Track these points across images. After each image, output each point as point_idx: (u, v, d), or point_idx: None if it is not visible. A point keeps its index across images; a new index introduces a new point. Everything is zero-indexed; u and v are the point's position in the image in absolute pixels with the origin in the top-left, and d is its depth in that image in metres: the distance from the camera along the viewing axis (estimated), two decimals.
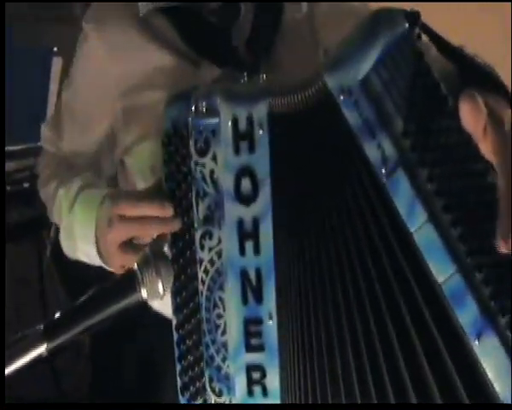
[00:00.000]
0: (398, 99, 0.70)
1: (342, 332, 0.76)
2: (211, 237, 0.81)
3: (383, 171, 0.71)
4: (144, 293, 0.84)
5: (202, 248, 0.81)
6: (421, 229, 0.70)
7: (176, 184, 0.84)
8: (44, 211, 1.24)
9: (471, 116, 0.66)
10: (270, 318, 0.79)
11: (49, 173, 1.22)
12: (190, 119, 0.81)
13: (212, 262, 0.81)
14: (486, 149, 0.67)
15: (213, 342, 0.83)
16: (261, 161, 0.77)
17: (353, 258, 0.74)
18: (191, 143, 0.81)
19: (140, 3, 1.10)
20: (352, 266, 0.74)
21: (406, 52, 0.70)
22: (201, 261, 0.82)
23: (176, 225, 0.84)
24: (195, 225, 0.82)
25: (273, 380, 0.81)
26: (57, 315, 0.84)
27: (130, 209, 0.87)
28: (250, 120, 0.77)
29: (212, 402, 0.84)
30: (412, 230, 0.71)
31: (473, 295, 0.69)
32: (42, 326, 0.83)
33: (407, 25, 0.71)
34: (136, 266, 0.84)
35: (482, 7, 3.13)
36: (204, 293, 0.82)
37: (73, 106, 1.19)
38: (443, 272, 0.70)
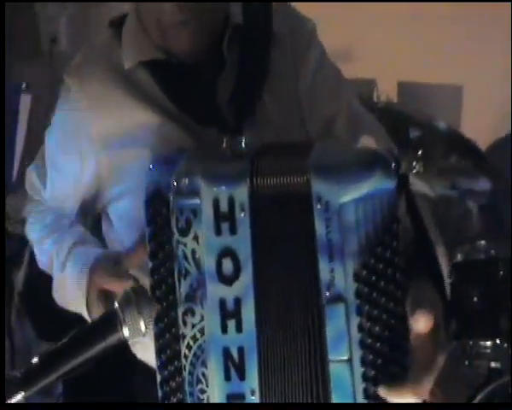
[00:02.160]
0: (363, 241, 0.74)
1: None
2: (193, 315, 0.82)
3: (327, 294, 0.76)
4: (126, 332, 0.83)
5: (185, 324, 0.83)
6: (338, 363, 0.76)
7: (159, 247, 0.85)
8: (12, 251, 1.24)
9: (424, 326, 0.74)
10: (253, 394, 0.80)
11: (37, 220, 1.23)
12: (172, 197, 0.82)
13: (194, 339, 0.82)
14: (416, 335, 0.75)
15: None
16: (242, 242, 0.79)
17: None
18: (173, 221, 0.82)
19: (124, 57, 1.11)
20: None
21: (385, 206, 0.74)
22: (184, 337, 0.83)
23: None
24: (177, 301, 0.83)
25: None
26: (35, 360, 0.83)
27: None
28: (231, 202, 0.79)
29: None
30: (331, 358, 0.76)
31: None
32: (20, 372, 0.82)
33: (397, 183, 0.75)
34: (117, 306, 0.84)
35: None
36: (187, 368, 0.83)
37: (55, 157, 1.20)
38: None
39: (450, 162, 2.43)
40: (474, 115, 2.97)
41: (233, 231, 0.78)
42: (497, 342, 2.18)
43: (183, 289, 0.82)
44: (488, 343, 2.18)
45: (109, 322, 0.84)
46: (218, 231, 0.79)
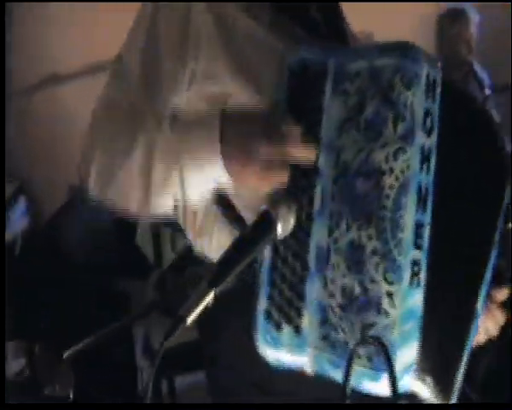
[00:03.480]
0: None
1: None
2: (404, 153, 1.03)
3: None
4: (279, 229, 0.96)
5: (396, 160, 1.03)
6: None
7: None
8: None
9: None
10: (428, 224, 1.05)
11: None
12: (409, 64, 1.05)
13: (401, 172, 1.03)
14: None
15: (393, 237, 1.01)
16: (436, 109, 1.07)
17: None
18: (398, 76, 1.04)
19: None
20: None
21: None
22: (392, 171, 1.03)
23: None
24: (389, 140, 1.04)
25: (424, 275, 1.04)
26: (216, 263, 0.94)
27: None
28: (435, 79, 1.08)
29: (383, 291, 1.01)
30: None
31: None
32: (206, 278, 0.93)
33: None
34: (269, 208, 0.98)
35: None
36: (391, 196, 1.02)
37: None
38: None
39: None
40: None
41: (434, 99, 1.07)
42: None
43: (399, 131, 1.03)
44: None
45: (265, 223, 0.96)
46: (427, 97, 1.06)
